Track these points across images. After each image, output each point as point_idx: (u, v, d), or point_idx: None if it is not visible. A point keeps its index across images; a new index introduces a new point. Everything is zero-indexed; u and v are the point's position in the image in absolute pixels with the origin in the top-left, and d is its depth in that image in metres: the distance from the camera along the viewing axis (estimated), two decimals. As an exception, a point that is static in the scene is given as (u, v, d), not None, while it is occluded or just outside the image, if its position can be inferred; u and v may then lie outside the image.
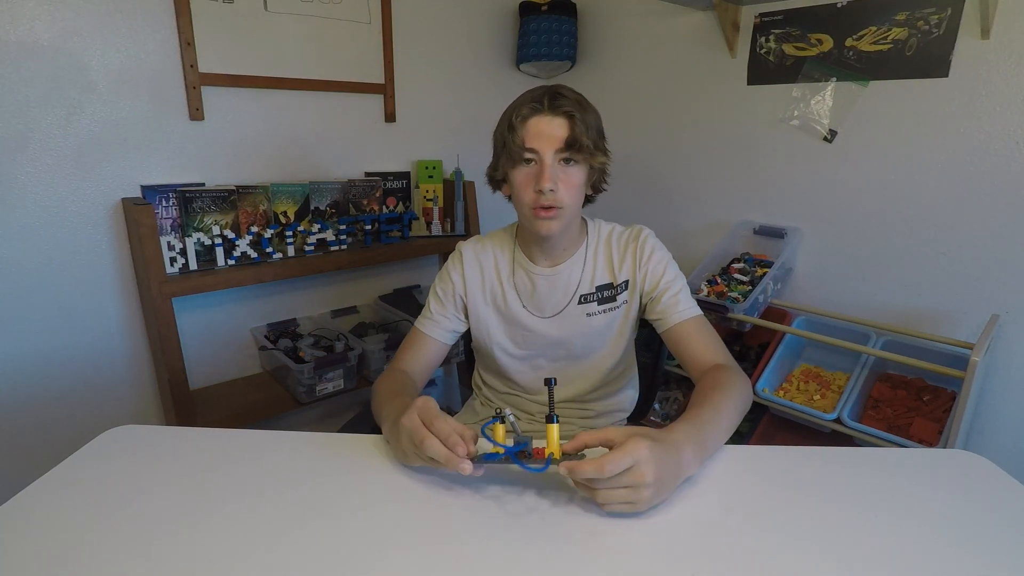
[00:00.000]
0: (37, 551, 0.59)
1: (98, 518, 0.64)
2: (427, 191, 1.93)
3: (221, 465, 0.74)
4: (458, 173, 1.95)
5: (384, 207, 1.87)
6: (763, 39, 1.72)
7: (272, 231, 1.56)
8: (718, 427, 0.74)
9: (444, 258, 1.08)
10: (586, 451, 0.66)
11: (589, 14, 2.16)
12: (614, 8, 2.09)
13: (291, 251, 1.60)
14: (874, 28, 1.51)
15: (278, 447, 0.78)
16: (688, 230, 2.03)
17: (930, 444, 1.36)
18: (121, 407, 1.55)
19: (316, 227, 1.65)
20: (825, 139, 1.65)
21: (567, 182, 0.90)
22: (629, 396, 1.14)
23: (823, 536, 0.61)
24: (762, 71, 1.75)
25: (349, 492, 0.69)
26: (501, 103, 0.97)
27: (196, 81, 1.49)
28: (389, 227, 1.80)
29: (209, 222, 1.49)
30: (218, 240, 1.47)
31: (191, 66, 1.48)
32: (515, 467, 0.65)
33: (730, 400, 0.79)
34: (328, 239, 1.66)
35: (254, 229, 1.54)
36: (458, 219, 1.95)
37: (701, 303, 1.00)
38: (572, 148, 0.89)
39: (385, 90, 1.86)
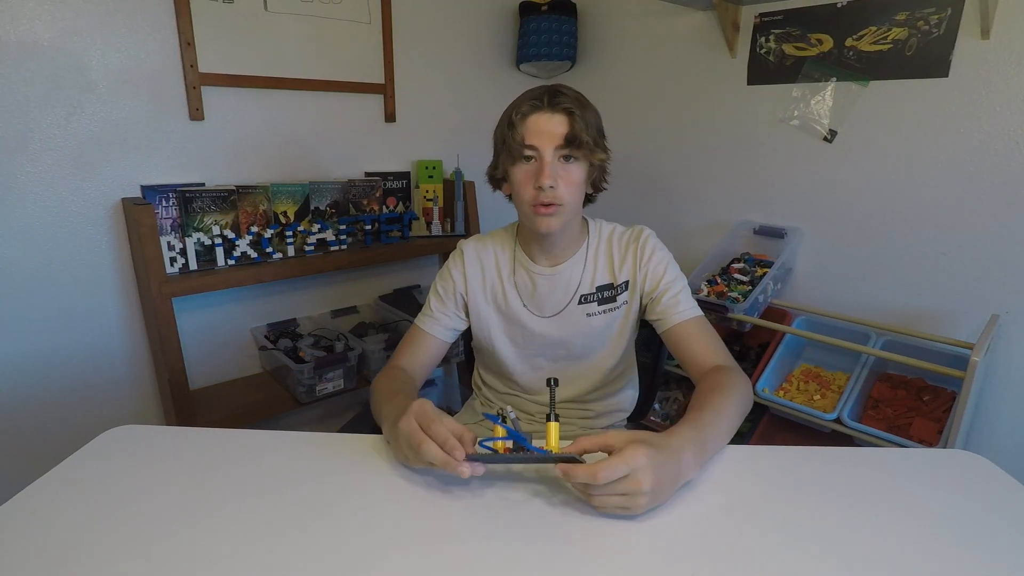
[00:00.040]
0: (37, 551, 0.59)
1: (98, 518, 0.64)
2: (427, 191, 1.93)
3: (221, 465, 0.74)
4: (458, 173, 1.95)
5: (384, 207, 1.87)
6: (763, 39, 1.72)
7: (272, 231, 1.56)
8: (718, 430, 0.74)
9: (444, 258, 1.08)
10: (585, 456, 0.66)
11: (589, 14, 2.16)
12: (614, 8, 2.09)
13: (291, 251, 1.60)
14: (874, 28, 1.51)
15: (278, 447, 0.78)
16: (688, 230, 2.03)
17: (930, 444, 1.36)
18: (121, 407, 1.55)
19: (316, 227, 1.65)
20: (825, 139, 1.65)
21: (567, 179, 0.90)
22: (629, 396, 1.14)
23: (823, 536, 0.61)
24: (762, 71, 1.75)
25: (349, 492, 0.69)
26: (501, 103, 0.97)
27: (196, 81, 1.49)
28: (389, 227, 1.80)
29: (209, 222, 1.49)
30: (218, 240, 1.47)
31: (191, 66, 1.48)
32: (515, 467, 0.65)
33: (731, 402, 0.78)
34: (328, 239, 1.66)
35: (254, 229, 1.54)
36: (458, 219, 1.95)
37: (701, 303, 0.99)
38: (572, 145, 0.89)
39: (385, 90, 1.86)
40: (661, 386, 1.94)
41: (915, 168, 1.51)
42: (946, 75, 1.42)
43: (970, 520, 0.63)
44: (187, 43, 1.46)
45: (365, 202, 1.81)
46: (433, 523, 0.64)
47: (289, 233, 1.60)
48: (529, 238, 1.01)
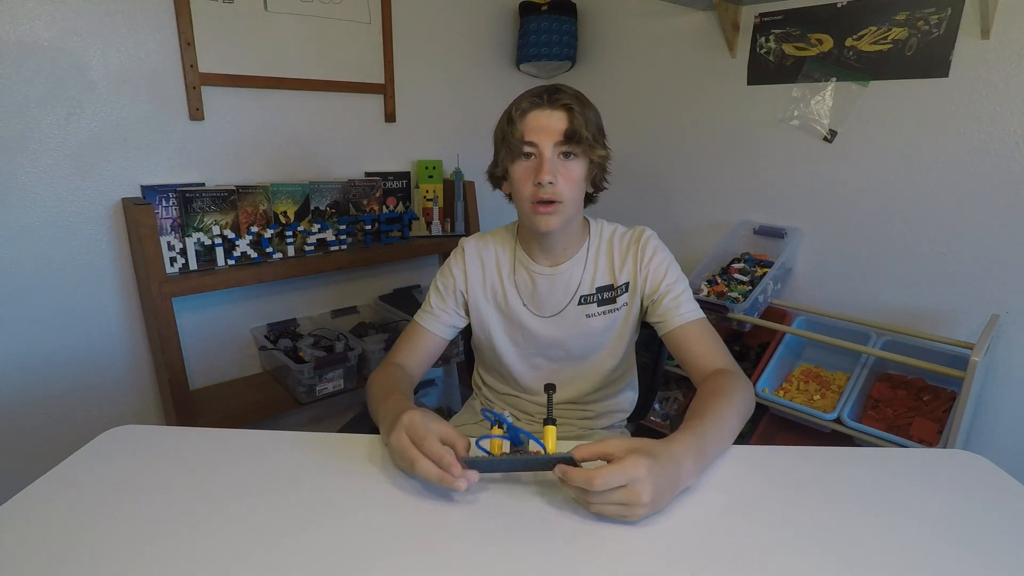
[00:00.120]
0: (37, 551, 0.59)
1: (98, 518, 0.64)
2: (427, 191, 1.93)
3: (221, 465, 0.74)
4: (458, 173, 1.95)
5: (384, 207, 1.87)
6: (763, 39, 1.72)
7: (272, 231, 1.56)
8: (720, 435, 0.74)
9: (444, 258, 1.07)
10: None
11: (589, 14, 2.16)
12: (614, 8, 2.09)
13: (291, 251, 1.60)
14: (874, 28, 1.51)
15: (278, 447, 0.78)
16: (688, 230, 2.03)
17: (930, 444, 1.36)
18: (121, 407, 1.55)
19: (316, 227, 1.64)
20: (825, 139, 1.65)
21: (567, 176, 0.90)
22: (629, 397, 1.14)
23: (823, 536, 0.61)
24: (762, 71, 1.75)
25: (349, 492, 0.69)
26: (501, 103, 0.97)
27: (196, 81, 1.49)
28: (389, 227, 1.80)
29: (209, 222, 1.49)
30: (218, 240, 1.47)
31: (191, 66, 1.48)
32: (513, 472, 0.65)
33: (732, 407, 0.77)
34: (328, 239, 1.66)
35: (254, 229, 1.54)
36: (458, 219, 1.95)
37: (701, 303, 0.99)
38: (571, 141, 0.89)
39: (385, 90, 1.86)
40: (661, 386, 1.94)
41: (915, 168, 1.51)
42: (946, 75, 1.42)
43: (970, 520, 0.63)
44: (187, 43, 1.46)
45: (365, 202, 1.81)
46: (433, 523, 0.64)
47: (289, 233, 1.60)
48: (529, 237, 1.01)
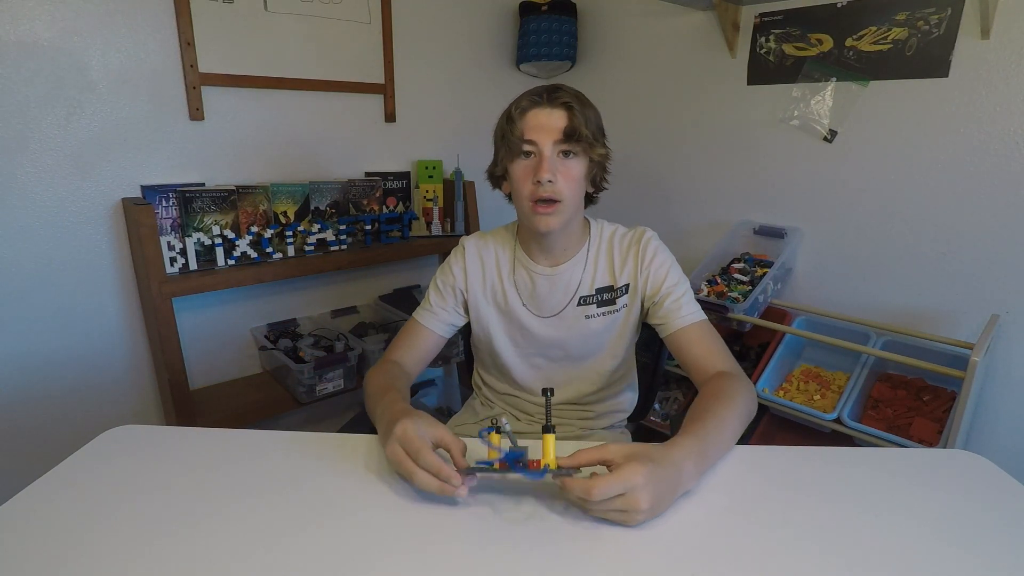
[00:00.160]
0: (37, 551, 0.59)
1: (98, 518, 0.64)
2: (427, 191, 1.93)
3: (221, 465, 0.74)
4: (458, 173, 1.95)
5: (384, 207, 1.87)
6: (763, 39, 1.72)
7: (272, 231, 1.56)
8: (721, 438, 0.73)
9: (444, 258, 1.07)
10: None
11: (589, 14, 2.16)
12: (614, 8, 2.09)
13: (291, 251, 1.60)
14: (874, 28, 1.51)
15: (278, 447, 0.78)
16: (688, 230, 2.03)
17: (930, 444, 1.36)
18: (121, 407, 1.55)
19: (316, 227, 1.64)
20: (825, 139, 1.65)
21: (566, 174, 0.90)
22: (628, 398, 1.14)
23: (823, 536, 0.61)
24: (762, 71, 1.75)
25: (349, 492, 0.69)
26: (501, 103, 0.97)
27: (196, 81, 1.49)
28: (389, 227, 1.80)
29: (209, 222, 1.49)
30: (218, 240, 1.47)
31: (191, 66, 1.48)
32: (511, 475, 0.65)
33: (734, 410, 0.77)
34: (328, 239, 1.66)
35: (254, 229, 1.53)
36: (458, 219, 1.95)
37: (701, 303, 0.99)
38: (571, 139, 0.89)
39: (385, 90, 1.86)
40: (661, 386, 1.94)
41: (915, 168, 1.51)
42: (946, 75, 1.42)
43: (970, 520, 0.64)
44: (187, 43, 1.46)
45: (365, 202, 1.81)
46: (433, 523, 0.64)
47: (289, 233, 1.60)
48: (529, 237, 1.01)
